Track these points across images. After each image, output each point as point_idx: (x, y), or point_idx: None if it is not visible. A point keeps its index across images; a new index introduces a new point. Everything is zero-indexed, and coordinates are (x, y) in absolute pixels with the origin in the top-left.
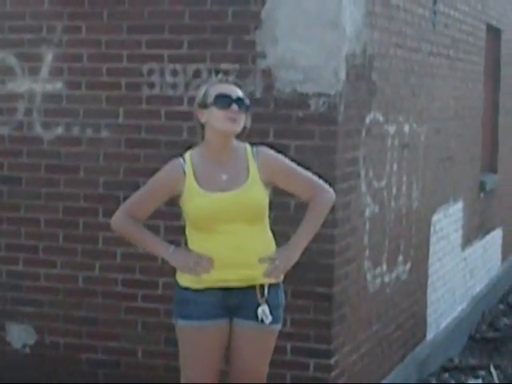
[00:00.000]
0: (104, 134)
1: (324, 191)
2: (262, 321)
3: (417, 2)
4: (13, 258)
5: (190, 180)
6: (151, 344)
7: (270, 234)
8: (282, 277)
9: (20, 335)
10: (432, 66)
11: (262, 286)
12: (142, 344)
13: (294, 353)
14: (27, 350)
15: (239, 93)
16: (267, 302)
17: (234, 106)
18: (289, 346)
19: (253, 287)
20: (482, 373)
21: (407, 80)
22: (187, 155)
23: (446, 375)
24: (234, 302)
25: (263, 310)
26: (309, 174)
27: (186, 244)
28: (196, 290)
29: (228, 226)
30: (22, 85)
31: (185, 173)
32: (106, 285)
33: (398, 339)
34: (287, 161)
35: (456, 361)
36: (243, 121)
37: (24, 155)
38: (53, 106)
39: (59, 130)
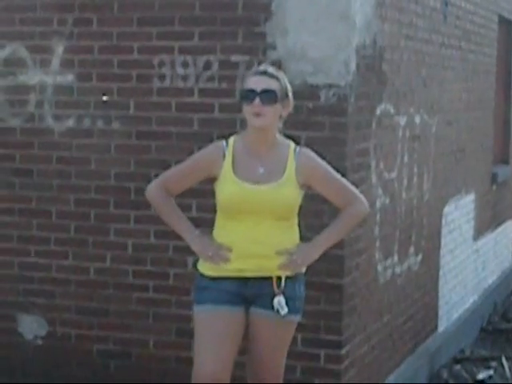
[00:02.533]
0: (115, 125)
1: (358, 202)
2: (278, 311)
3: None
4: (24, 250)
5: (228, 165)
6: (162, 335)
7: (296, 230)
8: (303, 269)
9: (32, 326)
10: (443, 57)
11: (279, 278)
12: (153, 335)
13: (305, 344)
14: (39, 342)
15: (267, 84)
16: (284, 293)
17: (257, 101)
18: (299, 336)
19: (270, 278)
20: (494, 364)
21: (418, 71)
22: (231, 140)
23: (458, 367)
24: (251, 291)
25: (279, 301)
26: (346, 183)
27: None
28: (214, 278)
29: (253, 218)
30: (33, 77)
31: (224, 157)
32: (118, 276)
33: (409, 330)
34: (327, 167)
35: (467, 352)
36: (273, 113)
37: (35, 147)
38: (64, 98)
39: (70, 122)
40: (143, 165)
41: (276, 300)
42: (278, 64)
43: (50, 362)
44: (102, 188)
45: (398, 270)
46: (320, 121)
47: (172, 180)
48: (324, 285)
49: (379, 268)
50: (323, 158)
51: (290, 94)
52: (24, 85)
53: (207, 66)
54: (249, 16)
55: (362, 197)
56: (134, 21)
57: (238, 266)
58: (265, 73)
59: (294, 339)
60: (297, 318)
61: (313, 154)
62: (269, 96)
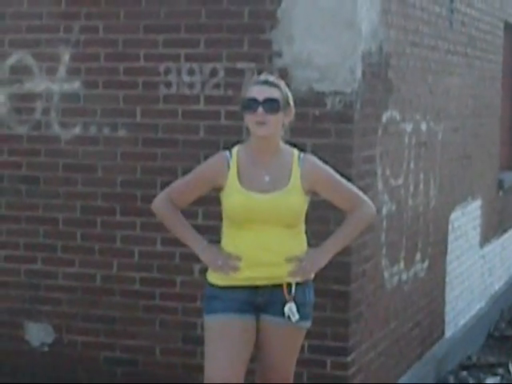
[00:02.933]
0: (121, 133)
1: (365, 206)
2: (289, 318)
3: (433, 1)
4: (31, 257)
5: (233, 175)
6: (169, 342)
7: (304, 237)
8: (312, 275)
9: (38, 334)
10: (449, 64)
11: (289, 284)
12: (159, 342)
13: (311, 351)
14: (45, 349)
15: (269, 93)
16: (294, 300)
17: (260, 110)
18: (306, 343)
19: (280, 285)
20: (501, 371)
21: (424, 78)
22: (234, 150)
23: (464, 373)
24: (262, 299)
25: (290, 308)
26: (352, 187)
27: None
28: (224, 287)
29: (261, 227)
30: (39, 84)
31: (229, 167)
32: (124, 283)
33: (416, 337)
34: (332, 172)
35: (474, 359)
36: (276, 122)
37: (42, 155)
38: (70, 105)
39: (77, 130)
40: (149, 172)
41: (287, 307)
42: (284, 71)
43: (56, 369)
44: (109, 195)
45: (404, 276)
46: (326, 128)
47: (178, 192)
48: (330, 291)
49: (386, 275)
50: (329, 164)
51: (291, 102)
52: (30, 92)
53: (213, 73)
54: (255, 23)
55: (368, 200)
56: (140, 28)
57: (248, 274)
58: (266, 82)
59: (301, 346)
60: (307, 324)
61: (317, 160)
62: (272, 105)
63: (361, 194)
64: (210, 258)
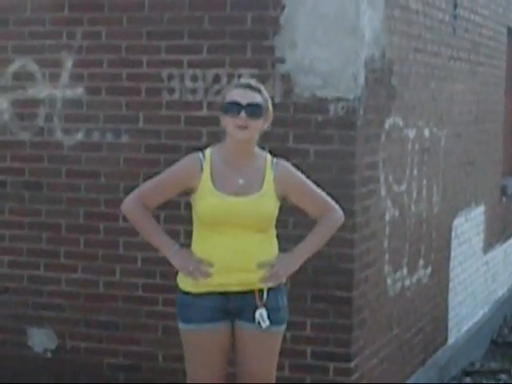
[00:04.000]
0: (124, 139)
1: (334, 211)
2: (259, 324)
3: (436, 7)
4: (34, 263)
5: (206, 178)
6: (172, 348)
7: (275, 242)
8: (283, 280)
9: (41, 340)
10: (452, 70)
11: (261, 290)
12: (162, 348)
13: (314, 357)
14: (48, 355)
15: (252, 98)
16: (266, 305)
17: (243, 114)
18: (309, 349)
19: (252, 291)
20: (504, 377)
21: (427, 84)
22: (207, 152)
23: (467, 379)
24: (234, 305)
25: (260, 314)
26: (322, 193)
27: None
28: (196, 294)
29: (233, 230)
30: (42, 90)
31: (202, 169)
32: (127, 289)
33: (419, 343)
34: (303, 178)
35: (477, 365)
36: (256, 127)
37: (45, 161)
38: (73, 111)
39: (79, 136)
40: (152, 178)
41: (258, 313)
42: (286, 77)
43: (59, 375)
44: (112, 201)
45: (407, 282)
46: (329, 134)
47: (149, 193)
48: (333, 298)
49: (388, 281)
50: (332, 171)
51: (271, 107)
52: (33, 98)
53: (216, 79)
54: (257, 30)
55: (337, 206)
56: (143, 34)
57: (220, 280)
58: (249, 86)
59: (304, 352)
60: (281, 329)
61: (290, 165)
62: (254, 110)
63: (330, 200)
64: (181, 262)
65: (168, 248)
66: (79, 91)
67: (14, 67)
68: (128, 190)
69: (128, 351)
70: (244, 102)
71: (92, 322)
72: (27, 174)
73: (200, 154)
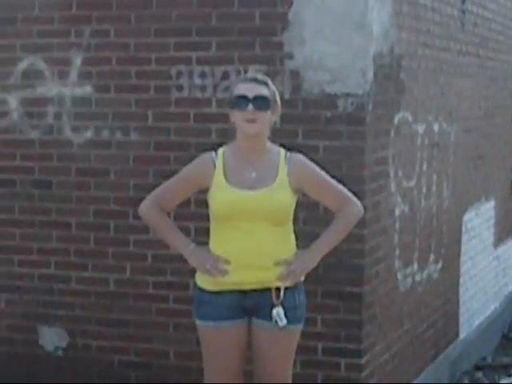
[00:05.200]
0: (133, 136)
1: (353, 205)
2: (277, 322)
3: (445, 2)
4: (44, 262)
5: (219, 174)
6: (183, 345)
7: (293, 238)
8: (301, 279)
9: (52, 338)
10: (461, 65)
11: (277, 288)
12: (173, 345)
13: (325, 353)
14: (60, 353)
15: (259, 91)
16: (283, 304)
17: (250, 107)
18: (320, 346)
19: (269, 289)
20: None
21: (436, 79)
22: (220, 150)
23: (479, 374)
24: (251, 303)
25: (278, 312)
26: (339, 186)
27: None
28: (213, 292)
29: (249, 225)
30: (51, 89)
31: (215, 166)
32: (137, 287)
33: (430, 338)
34: (319, 170)
35: (489, 359)
36: (265, 119)
37: (54, 159)
38: (82, 109)
39: (89, 134)
40: (162, 176)
41: (275, 311)
42: (295, 73)
43: (71, 373)
44: (121, 199)
45: (418, 278)
46: (338, 130)
47: (164, 196)
48: (344, 294)
49: (399, 276)
50: (342, 166)
51: (279, 100)
52: (42, 97)
53: (225, 76)
54: (266, 26)
55: (355, 198)
56: (151, 32)
57: (237, 278)
58: (255, 79)
59: (315, 348)
60: (298, 327)
61: (304, 159)
62: (262, 102)
63: (348, 192)
64: (198, 261)
65: (185, 246)
66: (88, 89)
67: (22, 66)
68: (138, 188)
69: (139, 349)
70: (251, 95)
71: (103, 320)
72: (37, 173)
73: (213, 153)
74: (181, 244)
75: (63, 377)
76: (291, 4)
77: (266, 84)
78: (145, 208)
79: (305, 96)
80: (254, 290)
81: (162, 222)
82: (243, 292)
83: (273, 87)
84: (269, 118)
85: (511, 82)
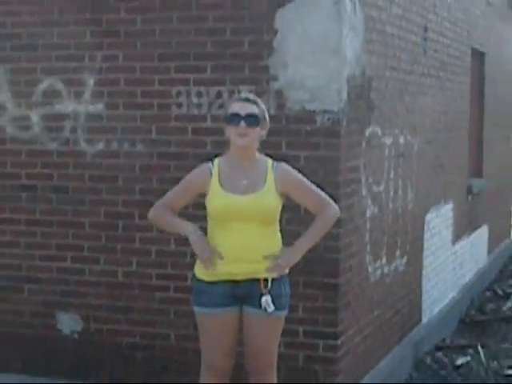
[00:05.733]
0: (139, 148)
1: (330, 207)
2: (265, 309)
3: (409, 30)
4: (62, 256)
5: (215, 181)
6: (182, 329)
7: (279, 236)
8: (286, 271)
9: (69, 323)
10: (424, 85)
11: (266, 279)
12: (173, 329)
13: (306, 335)
14: (75, 336)
15: (250, 109)
16: (270, 292)
17: (242, 124)
18: (301, 329)
19: (258, 280)
20: (471, 351)
21: (402, 98)
22: (216, 160)
23: (439, 354)
24: (242, 292)
25: (266, 300)
26: (319, 191)
27: None
28: (209, 282)
29: (240, 225)
30: (67, 106)
31: (211, 174)
32: (142, 278)
33: (396, 323)
34: (301, 177)
35: (448, 341)
36: (255, 134)
37: (70, 167)
38: (94, 124)
39: (100, 145)
40: (163, 182)
41: (263, 299)
42: (279, 93)
43: (85, 353)
44: (129, 202)
45: (386, 270)
46: (316, 142)
47: (171, 199)
48: (322, 284)
49: (370, 269)
50: (319, 174)
51: (267, 117)
52: (60, 113)
53: (218, 95)
54: (254, 52)
55: (332, 202)
56: (154, 57)
57: (230, 270)
58: (247, 99)
59: (296, 332)
60: (283, 313)
61: (288, 167)
62: (252, 120)
63: (326, 196)
64: (201, 248)
65: (193, 233)
66: (100, 107)
67: (43, 86)
68: (143, 192)
69: (144, 332)
70: (243, 113)
71: (112, 307)
72: (55, 179)
73: (209, 163)
74: (190, 230)
75: (78, 356)
76: (276, 33)
77: (256, 103)
78: (153, 211)
79: (288, 112)
80: (245, 281)
81: (171, 216)
82: (235, 282)
83: (262, 106)
84: (258, 133)
85: (467, 100)
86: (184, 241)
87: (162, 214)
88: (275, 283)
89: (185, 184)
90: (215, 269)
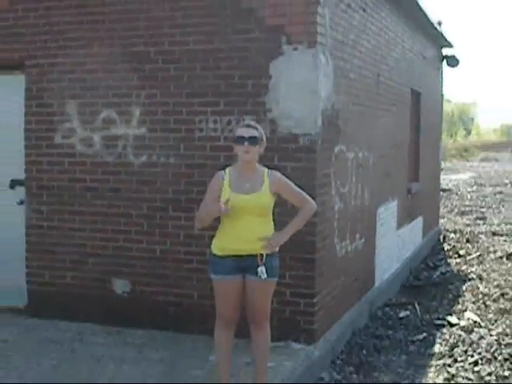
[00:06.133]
0: (171, 160)
1: (309, 203)
2: (260, 277)
3: (366, 76)
4: (115, 238)
5: (226, 184)
6: (202, 291)
7: (272, 224)
8: (277, 249)
9: (121, 286)
10: (377, 116)
11: (261, 255)
12: (196, 291)
13: (291, 295)
14: (125, 295)
15: (252, 133)
16: (264, 264)
17: (246, 143)
18: (288, 291)
19: (256, 255)
20: (410, 307)
21: (360, 125)
22: (227, 170)
23: (387, 309)
24: (244, 264)
25: (261, 270)
26: (301, 191)
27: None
28: (221, 256)
29: (244, 216)
30: (120, 130)
31: (223, 179)
32: (174, 254)
33: (356, 287)
34: (289, 181)
35: (393, 300)
36: (255, 151)
37: (122, 174)
38: (139, 143)
39: (144, 158)
40: (189, 184)
41: (259, 269)
42: (273, 121)
43: (132, 308)
44: (164, 199)
45: (349, 248)
46: (299, 156)
47: (205, 202)
48: (302, 259)
49: (337, 248)
50: (301, 179)
51: (264, 138)
52: (114, 135)
53: (229, 122)
54: (255, 91)
55: (311, 199)
56: (183, 95)
57: (235, 248)
58: (250, 125)
59: (284, 293)
60: (274, 280)
61: (279, 174)
62: (253, 140)
63: (307, 195)
64: (215, 207)
65: (215, 204)
66: (143, 130)
67: (102, 115)
68: (174, 192)
69: (175, 293)
70: (247, 135)
71: (152, 274)
72: (111, 182)
73: (222, 172)
74: (211, 206)
75: (127, 310)
76: (270, 78)
77: (256, 128)
78: (195, 221)
79: (279, 135)
80: (246, 256)
81: (205, 213)
82: (239, 257)
83: (261, 130)
84: (258, 150)
85: (407, 127)
86: (203, 228)
87: (202, 218)
88: (268, 258)
89: (209, 192)
90: (223, 244)
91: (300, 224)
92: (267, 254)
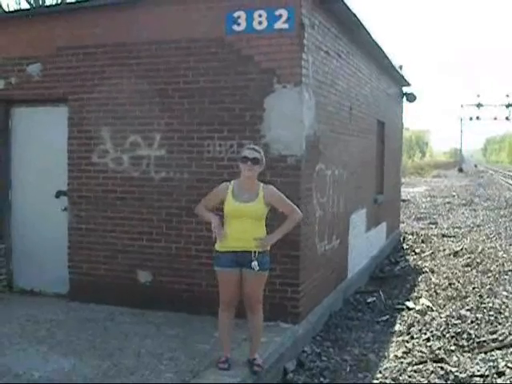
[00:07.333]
0: (185, 175)
1: (296, 212)
2: (253, 269)
3: (341, 109)
4: (140, 238)
5: (230, 194)
6: (210, 280)
7: (264, 228)
8: (268, 248)
9: (144, 276)
10: (350, 141)
11: (255, 252)
12: (205, 280)
13: (280, 285)
14: (148, 284)
15: (255, 154)
16: (257, 259)
17: (249, 163)
18: (277, 281)
19: (250, 252)
20: (376, 294)
21: (337, 148)
22: (232, 182)
23: (358, 296)
24: (241, 259)
25: (254, 264)
26: (289, 201)
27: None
28: (222, 252)
29: (242, 220)
30: (144, 151)
31: (228, 189)
32: (186, 251)
33: (333, 278)
34: (280, 193)
35: (363, 288)
36: (256, 170)
37: (145, 186)
38: (160, 162)
39: (163, 174)
40: (199, 196)
41: (253, 263)
42: (266, 145)
43: (153, 295)
44: (179, 207)
45: (327, 247)
46: (287, 173)
47: (205, 202)
48: (290, 255)
49: (318, 247)
50: (288, 191)
51: (264, 160)
52: (140, 155)
53: (231, 146)
54: (251, 121)
55: (297, 208)
56: (194, 123)
57: (234, 245)
58: (253, 149)
59: (274, 283)
60: (266, 273)
61: (272, 187)
62: (255, 161)
63: (294, 205)
64: (218, 229)
65: (215, 220)
66: (163, 152)
67: (129, 140)
68: (187, 201)
69: (187, 282)
70: (250, 156)
71: (169, 267)
72: (136, 194)
73: (228, 183)
74: (215, 219)
75: (149, 296)
76: (264, 110)
77: (258, 151)
78: (197, 207)
79: (271, 156)
80: (243, 252)
81: (204, 211)
82: (237, 253)
83: (261, 153)
84: (258, 169)
85: (374, 149)
86: (211, 230)
87: (201, 209)
88: (260, 254)
89: (214, 192)
90: (224, 242)
91: (288, 228)
92: (260, 252)
